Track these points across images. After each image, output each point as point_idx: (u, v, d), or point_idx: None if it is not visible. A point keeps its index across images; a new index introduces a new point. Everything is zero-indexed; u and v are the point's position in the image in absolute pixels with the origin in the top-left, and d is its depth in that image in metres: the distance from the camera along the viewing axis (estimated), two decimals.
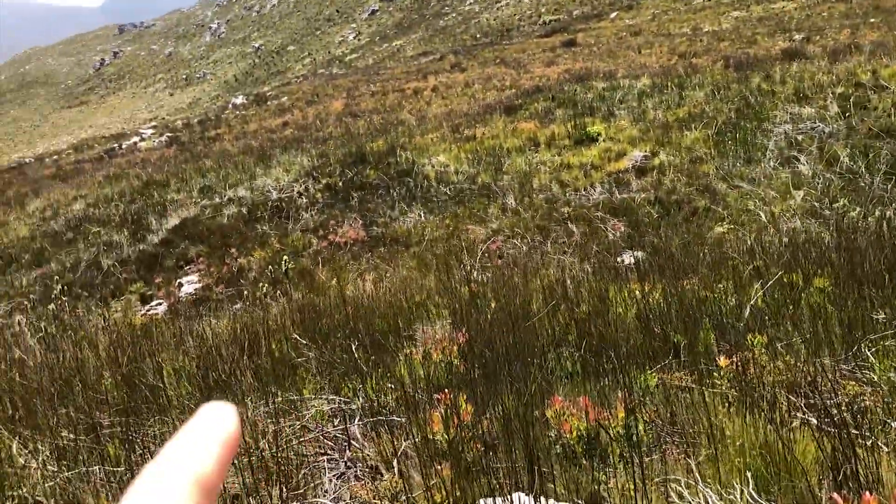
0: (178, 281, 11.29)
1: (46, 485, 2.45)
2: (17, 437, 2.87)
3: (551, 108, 17.79)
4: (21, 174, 29.73)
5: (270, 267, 10.40)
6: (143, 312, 9.99)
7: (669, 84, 17.20)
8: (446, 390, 2.63)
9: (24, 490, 2.53)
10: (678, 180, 12.00)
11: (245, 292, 9.63)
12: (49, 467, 2.72)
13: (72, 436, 2.66)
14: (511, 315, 4.15)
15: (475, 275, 7.21)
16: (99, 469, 2.55)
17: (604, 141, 14.40)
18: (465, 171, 14.41)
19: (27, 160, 38.75)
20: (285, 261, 10.02)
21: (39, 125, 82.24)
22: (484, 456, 2.29)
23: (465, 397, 2.75)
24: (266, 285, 9.80)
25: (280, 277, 10.03)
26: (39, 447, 2.83)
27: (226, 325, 5.99)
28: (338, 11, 78.14)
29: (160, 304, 10.46)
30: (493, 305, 4.73)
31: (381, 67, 43.61)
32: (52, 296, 10.93)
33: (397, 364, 3.87)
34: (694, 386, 2.84)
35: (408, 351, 4.18)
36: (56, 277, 12.37)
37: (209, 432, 0.36)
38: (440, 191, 13.68)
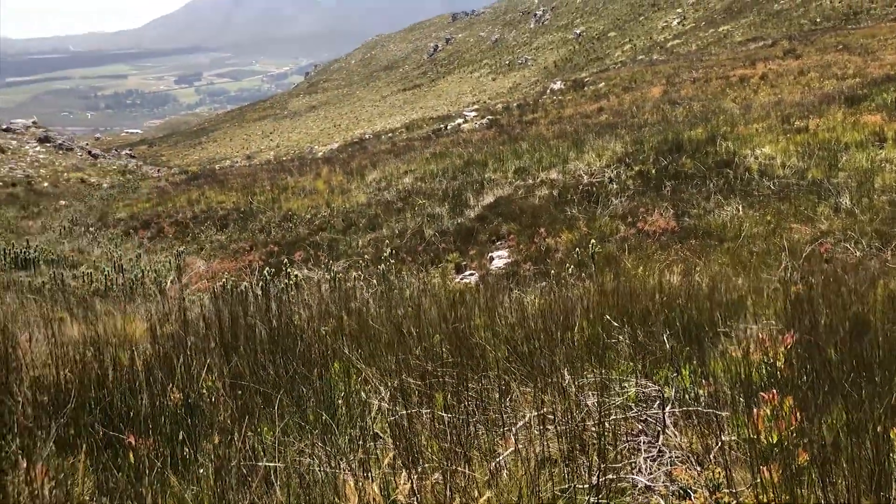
0: (490, 255, 11.91)
1: (386, 419, 2.76)
2: (361, 375, 3.27)
3: None
4: (362, 148, 33.34)
5: (577, 249, 10.53)
6: (457, 280, 10.72)
7: None
8: (774, 391, 2.48)
9: (367, 421, 2.87)
10: None
11: (551, 271, 9.87)
12: (384, 405, 3.06)
13: (409, 380, 2.96)
14: (847, 323, 3.77)
15: (799, 276, 6.66)
16: (427, 412, 2.80)
17: None
18: (793, 164, 13.29)
19: (367, 136, 43.35)
20: (592, 244, 10.07)
21: (379, 105, 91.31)
22: (814, 466, 2.13)
23: (792, 402, 2.57)
24: (572, 266, 9.95)
25: (586, 260, 10.11)
26: (379, 386, 3.18)
27: (534, 300, 6.20)
28: None
29: (472, 274, 11.12)
30: (822, 310, 4.34)
31: (705, 54, 41.65)
32: (382, 257, 12.16)
33: (711, 358, 3.73)
34: None
35: (723, 347, 4.01)
36: (386, 241, 13.73)
37: None
38: (762, 184, 12.79)
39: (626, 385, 3.13)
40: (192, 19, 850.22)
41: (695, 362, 3.54)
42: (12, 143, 46.72)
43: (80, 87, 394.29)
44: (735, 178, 13.22)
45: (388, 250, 12.90)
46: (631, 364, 3.56)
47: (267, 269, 10.95)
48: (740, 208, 12.03)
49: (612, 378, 3.21)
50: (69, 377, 3.13)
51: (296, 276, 10.62)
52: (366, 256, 13.49)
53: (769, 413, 2.42)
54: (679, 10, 67.95)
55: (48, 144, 49.13)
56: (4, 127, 53.22)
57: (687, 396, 3.16)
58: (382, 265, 11.55)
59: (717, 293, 5.77)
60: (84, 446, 2.42)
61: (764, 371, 3.27)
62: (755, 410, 2.44)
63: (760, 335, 3.68)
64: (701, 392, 3.16)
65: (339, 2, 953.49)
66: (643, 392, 3.10)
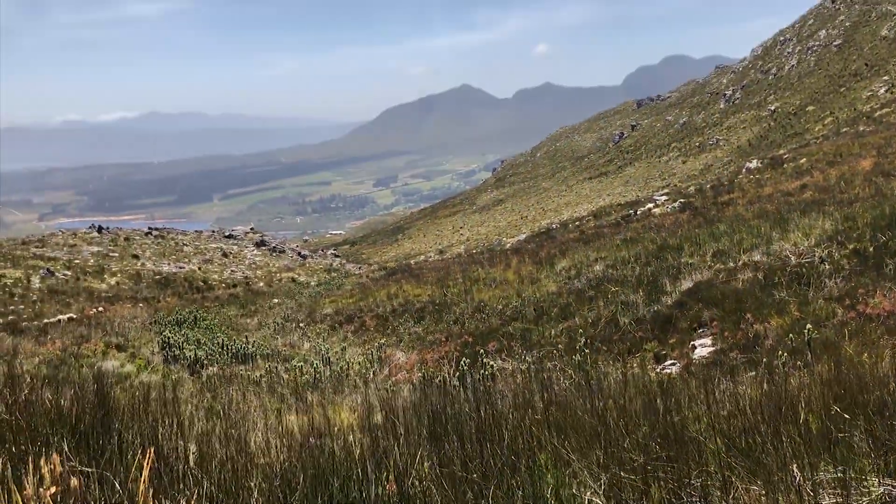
0: (692, 343, 11.37)
1: None
2: (570, 467, 3.19)
3: None
4: (550, 238, 33.54)
5: (791, 335, 9.80)
6: (657, 370, 10.30)
7: None
8: None
9: None
10: None
11: (762, 360, 9.23)
12: (596, 500, 2.95)
13: (621, 473, 2.85)
14: None
15: None
16: None
17: None
18: None
19: (555, 226, 43.62)
20: (808, 329, 9.33)
21: (565, 195, 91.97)
22: None
23: None
24: (785, 354, 9.26)
25: (801, 347, 9.37)
26: (588, 479, 3.08)
27: (747, 391, 5.81)
28: (867, 65, 71.49)
29: (674, 364, 10.65)
30: None
31: None
32: (576, 347, 11.97)
33: None
34: None
35: None
36: (579, 330, 13.52)
37: None
38: None
39: (868, 484, 2.82)
40: (387, 127, 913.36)
41: None
42: (234, 248, 51.79)
43: (290, 195, 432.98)
44: None
45: (582, 339, 12.69)
46: (870, 461, 3.21)
47: (463, 359, 11.14)
48: None
49: (849, 476, 2.91)
50: (293, 464, 3.32)
51: (491, 366, 10.71)
52: (559, 346, 13.36)
53: None
54: (886, 78, 63.49)
55: (263, 248, 53.95)
56: (227, 234, 59.29)
57: None
58: (577, 355, 11.37)
59: None
60: None
61: None
62: None
63: None
64: None
65: (520, 100, 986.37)
66: (890, 493, 2.77)
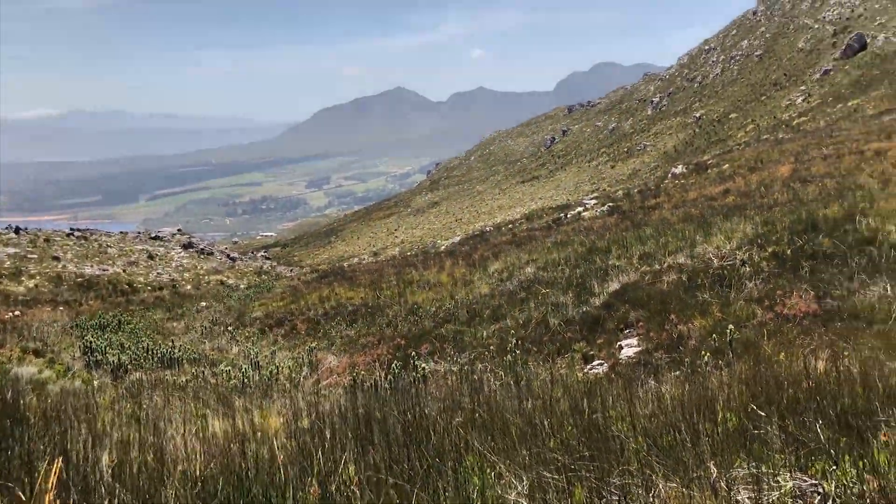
0: (619, 343, 11.60)
1: None
2: (496, 468, 3.20)
3: None
4: (483, 240, 33.77)
5: (713, 336, 10.09)
6: (586, 370, 10.47)
7: None
8: None
9: None
10: None
11: (685, 360, 9.48)
12: (521, 501, 2.97)
13: (545, 473, 2.87)
14: None
15: None
16: None
17: None
18: None
19: (488, 228, 43.96)
20: (730, 331, 9.63)
21: (499, 198, 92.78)
22: None
23: None
24: (707, 354, 9.52)
25: (723, 347, 9.66)
26: (514, 480, 3.10)
27: (670, 390, 5.95)
28: (785, 75, 74.37)
29: (601, 364, 10.84)
30: None
31: (835, 129, 40.11)
32: (507, 348, 12.09)
33: (875, 449, 3.42)
34: None
35: (887, 437, 3.68)
36: (511, 332, 13.65)
37: None
38: None
39: (780, 479, 2.92)
40: (320, 128, 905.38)
41: (855, 454, 3.26)
42: (160, 249, 50.42)
43: (219, 196, 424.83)
44: (880, 257, 12.41)
45: (513, 341, 12.81)
46: (782, 456, 3.32)
47: (395, 362, 11.11)
48: (888, 288, 11.23)
49: (762, 471, 3.00)
50: (214, 471, 3.24)
51: (423, 368, 10.71)
52: (491, 348, 13.44)
53: None
54: (803, 88, 66.15)
55: (191, 250, 52.69)
56: (153, 235, 57.70)
57: (849, 491, 2.91)
58: (508, 356, 11.47)
59: (871, 379, 5.35)
60: None
61: None
62: None
63: None
64: (866, 487, 2.90)
65: (455, 103, 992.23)
66: (799, 487, 2.87)
